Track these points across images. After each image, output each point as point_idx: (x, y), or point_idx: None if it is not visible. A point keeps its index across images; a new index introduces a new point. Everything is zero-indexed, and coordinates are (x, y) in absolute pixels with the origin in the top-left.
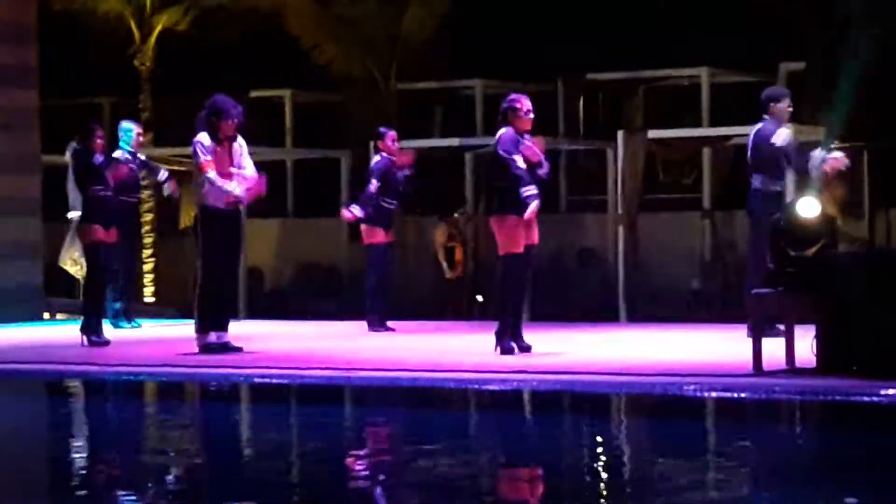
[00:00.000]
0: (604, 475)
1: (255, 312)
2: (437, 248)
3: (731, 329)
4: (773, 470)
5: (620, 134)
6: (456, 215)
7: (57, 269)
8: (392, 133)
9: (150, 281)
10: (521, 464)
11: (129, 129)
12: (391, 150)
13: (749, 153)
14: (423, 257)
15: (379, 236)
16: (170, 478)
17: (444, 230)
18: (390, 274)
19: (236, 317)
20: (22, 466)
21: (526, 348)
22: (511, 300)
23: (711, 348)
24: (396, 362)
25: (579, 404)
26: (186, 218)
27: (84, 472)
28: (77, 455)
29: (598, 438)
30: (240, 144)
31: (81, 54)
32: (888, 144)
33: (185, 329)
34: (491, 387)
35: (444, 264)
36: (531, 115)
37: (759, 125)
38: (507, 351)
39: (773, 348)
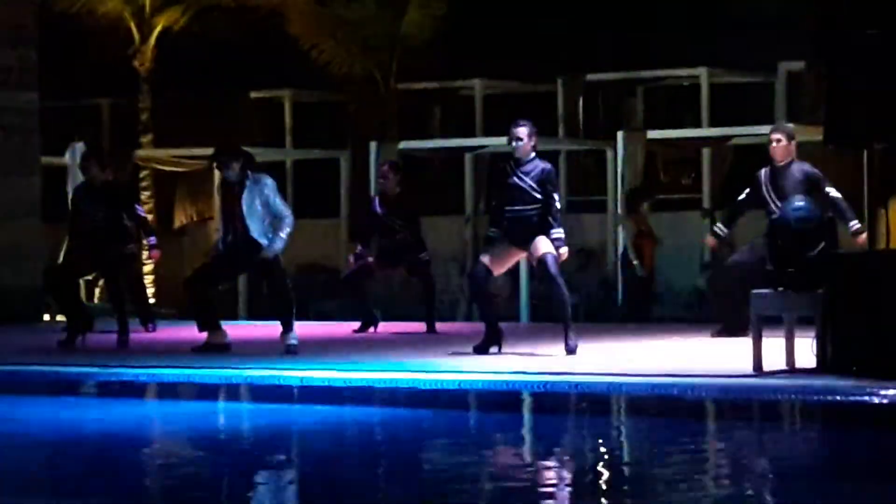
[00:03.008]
0: (604, 476)
1: (256, 313)
2: (628, 244)
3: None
4: (772, 470)
5: (620, 134)
6: (643, 208)
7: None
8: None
9: (150, 282)
10: (522, 464)
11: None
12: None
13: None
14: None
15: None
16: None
17: (634, 225)
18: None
19: (235, 318)
20: (23, 468)
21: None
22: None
23: (711, 348)
24: (397, 364)
25: (580, 405)
26: (181, 217)
27: (84, 472)
28: (77, 455)
29: (598, 439)
30: (252, 189)
31: (81, 55)
32: (888, 144)
33: (185, 331)
34: (493, 388)
35: (636, 262)
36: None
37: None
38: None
39: (774, 349)
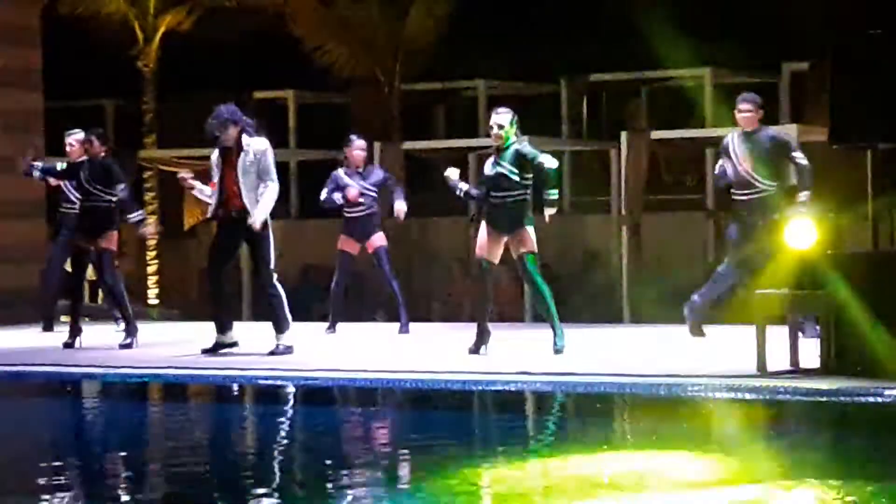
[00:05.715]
0: (606, 474)
1: (259, 314)
2: None
3: (735, 330)
4: (776, 470)
5: (624, 135)
6: None
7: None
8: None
9: (155, 283)
10: (524, 463)
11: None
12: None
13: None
14: (428, 260)
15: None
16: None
17: None
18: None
19: (239, 318)
20: (25, 468)
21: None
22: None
23: (715, 349)
24: (399, 363)
25: (583, 405)
26: (190, 219)
27: (88, 473)
28: (81, 456)
29: (601, 439)
30: (248, 154)
31: (84, 56)
32: (891, 144)
33: (188, 331)
34: (495, 388)
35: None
36: None
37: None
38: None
39: (777, 349)
